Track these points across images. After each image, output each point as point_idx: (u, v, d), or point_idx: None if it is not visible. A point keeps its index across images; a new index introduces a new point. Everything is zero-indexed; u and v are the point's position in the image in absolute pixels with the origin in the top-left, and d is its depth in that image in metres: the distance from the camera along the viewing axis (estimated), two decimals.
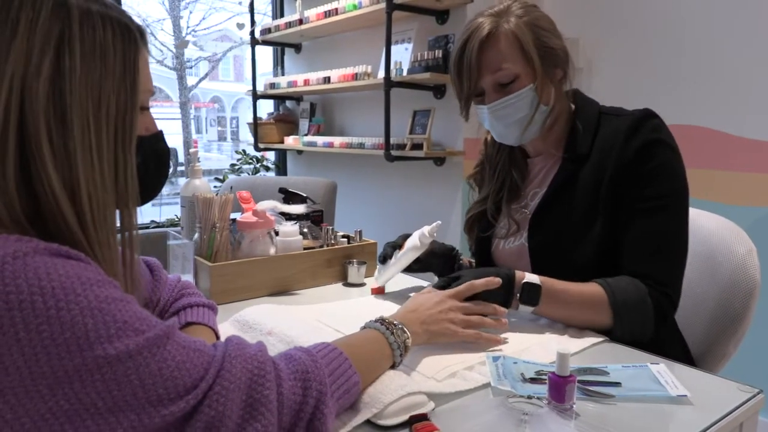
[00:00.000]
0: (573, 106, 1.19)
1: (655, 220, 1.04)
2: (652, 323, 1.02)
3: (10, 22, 0.56)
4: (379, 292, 1.29)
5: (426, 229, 1.17)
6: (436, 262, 1.28)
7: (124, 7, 0.76)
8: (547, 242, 1.14)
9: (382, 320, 0.84)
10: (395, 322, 0.84)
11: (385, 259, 1.26)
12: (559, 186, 1.14)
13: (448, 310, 0.94)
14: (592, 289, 1.03)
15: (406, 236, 1.25)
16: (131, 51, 0.64)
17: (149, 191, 0.77)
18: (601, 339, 1.00)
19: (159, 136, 0.76)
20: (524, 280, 1.01)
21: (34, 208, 0.58)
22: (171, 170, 0.86)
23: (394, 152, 2.61)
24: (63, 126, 0.58)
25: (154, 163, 0.75)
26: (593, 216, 1.08)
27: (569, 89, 1.18)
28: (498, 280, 0.98)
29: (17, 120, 0.56)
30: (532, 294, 1.01)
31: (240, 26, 3.38)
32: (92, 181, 0.60)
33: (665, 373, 0.85)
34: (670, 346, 1.12)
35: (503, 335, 0.98)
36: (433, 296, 0.96)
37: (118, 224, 0.65)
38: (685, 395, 0.78)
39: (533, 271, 1.11)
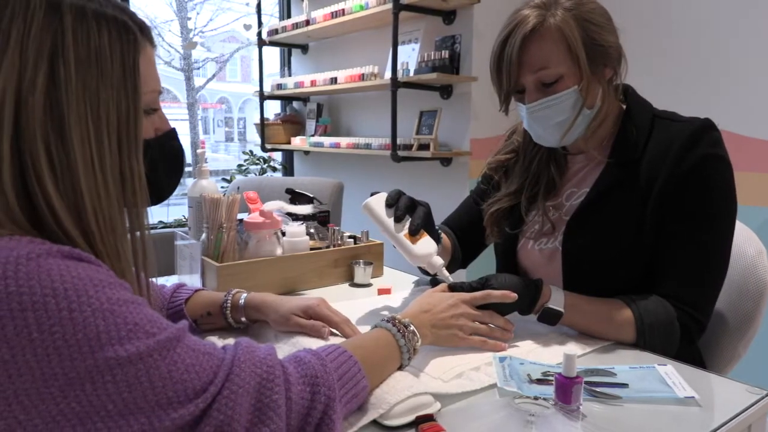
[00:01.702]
0: (623, 106, 1.10)
1: (702, 241, 0.99)
2: (677, 345, 0.99)
3: (1, 35, 0.55)
4: (385, 292, 1.29)
5: (445, 272, 1.06)
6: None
7: (133, 9, 0.75)
8: (584, 247, 1.07)
9: (394, 321, 0.84)
10: (407, 324, 0.84)
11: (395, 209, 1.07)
12: (605, 190, 1.06)
13: (460, 315, 0.93)
14: (620, 309, 0.99)
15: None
16: (130, 52, 0.62)
17: (164, 191, 0.77)
18: (609, 341, 1.00)
19: (172, 134, 0.75)
20: (547, 304, 0.98)
21: (38, 220, 0.57)
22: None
23: (400, 153, 2.61)
24: (62, 139, 0.57)
25: (167, 163, 0.75)
26: (638, 225, 1.01)
27: (620, 84, 1.09)
28: (514, 296, 0.95)
29: (11, 135, 0.55)
30: (552, 317, 0.99)
31: (247, 27, 3.38)
32: (96, 194, 0.59)
33: (673, 374, 0.84)
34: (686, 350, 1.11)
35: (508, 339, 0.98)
36: (447, 298, 0.95)
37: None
38: (693, 397, 0.78)
39: (564, 276, 1.08)
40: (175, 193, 0.80)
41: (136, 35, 0.63)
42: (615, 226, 1.04)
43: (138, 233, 0.65)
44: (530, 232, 1.18)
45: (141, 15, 0.66)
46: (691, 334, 1.00)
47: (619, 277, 1.04)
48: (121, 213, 0.63)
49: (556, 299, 0.99)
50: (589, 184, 1.10)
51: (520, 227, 1.20)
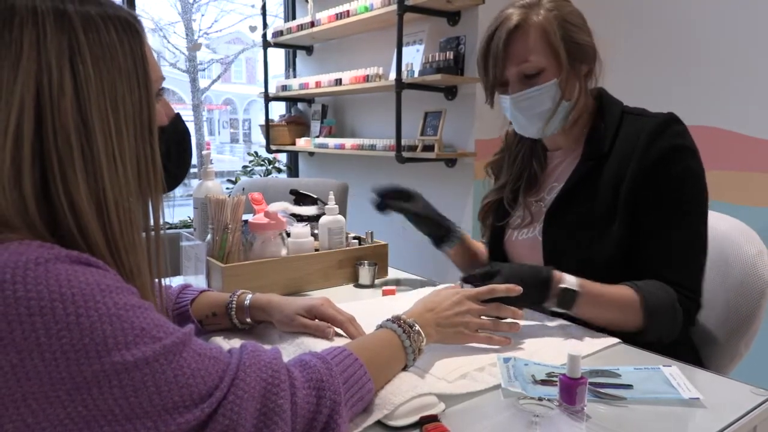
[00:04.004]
0: (597, 104, 1.18)
1: (681, 226, 1.05)
2: (680, 327, 1.03)
3: (13, 44, 0.56)
4: (390, 293, 1.29)
5: None
6: (428, 227, 1.34)
7: (138, 10, 0.77)
8: (562, 237, 1.14)
9: (399, 320, 0.84)
10: (412, 324, 0.84)
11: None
12: (578, 182, 1.13)
13: (465, 312, 0.93)
14: (626, 293, 1.02)
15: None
16: (136, 44, 0.64)
17: (177, 175, 0.79)
18: (614, 342, 1.00)
19: (177, 118, 0.78)
20: (562, 285, 1.00)
21: (53, 222, 0.58)
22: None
23: (405, 154, 2.61)
24: (86, 135, 0.58)
25: (176, 147, 0.77)
26: (611, 215, 1.08)
27: (594, 87, 1.17)
28: (519, 289, 0.96)
29: (31, 139, 0.56)
30: (568, 298, 1.00)
31: (252, 29, 3.40)
32: (117, 185, 0.60)
33: (678, 375, 0.84)
34: (682, 347, 1.11)
35: (513, 338, 0.98)
36: (451, 295, 0.95)
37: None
38: (698, 398, 0.77)
39: (545, 265, 1.11)
40: (180, 194, 0.81)
41: (137, 27, 0.65)
42: (590, 216, 1.10)
43: (152, 231, 0.67)
44: (515, 224, 1.27)
45: (146, 17, 0.68)
46: (691, 315, 1.05)
47: (599, 264, 1.08)
48: (137, 203, 0.64)
49: (569, 281, 1.01)
50: (566, 178, 1.17)
51: (506, 220, 1.29)
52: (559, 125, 1.14)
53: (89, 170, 0.58)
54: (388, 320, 0.85)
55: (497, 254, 1.31)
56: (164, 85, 0.73)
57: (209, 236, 1.29)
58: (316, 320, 0.95)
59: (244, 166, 3.77)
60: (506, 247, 1.29)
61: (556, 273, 1.01)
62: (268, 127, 3.51)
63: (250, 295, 0.99)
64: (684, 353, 1.04)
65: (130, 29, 0.63)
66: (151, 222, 0.67)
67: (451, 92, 2.64)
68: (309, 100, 3.61)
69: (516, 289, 0.96)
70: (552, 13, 1.08)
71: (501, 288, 0.97)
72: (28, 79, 0.56)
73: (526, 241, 1.22)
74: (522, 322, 1.00)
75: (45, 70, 0.56)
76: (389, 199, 1.33)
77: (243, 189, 2.43)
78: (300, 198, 1.63)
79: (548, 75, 1.08)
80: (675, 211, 1.05)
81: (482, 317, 0.95)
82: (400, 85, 2.53)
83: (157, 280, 0.68)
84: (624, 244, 1.07)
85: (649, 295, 1.01)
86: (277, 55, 3.77)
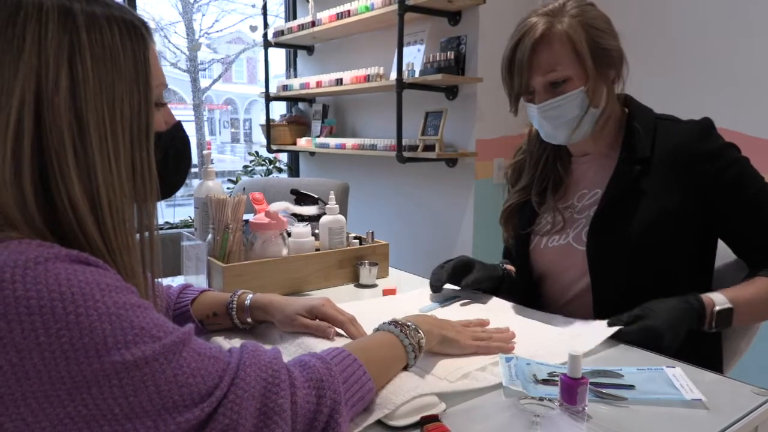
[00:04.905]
0: (626, 110, 1.17)
1: (765, 205, 1.08)
2: None
3: (16, 39, 0.56)
4: (390, 293, 1.29)
5: None
6: (487, 285, 1.25)
7: (138, 10, 0.77)
8: (610, 244, 1.11)
9: (395, 322, 0.84)
10: (408, 324, 0.84)
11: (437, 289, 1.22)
12: (621, 189, 1.11)
13: (466, 326, 0.96)
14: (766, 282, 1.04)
15: (463, 264, 1.23)
16: (140, 49, 0.64)
17: (173, 183, 0.79)
18: (613, 330, 0.99)
19: (178, 126, 0.78)
20: (716, 308, 1.00)
21: (54, 219, 0.58)
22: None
23: (406, 154, 2.61)
24: (81, 135, 0.59)
25: (175, 156, 0.77)
26: (665, 223, 1.07)
27: (621, 92, 1.16)
28: (512, 348, 0.94)
29: (31, 135, 0.56)
30: (725, 318, 1.01)
31: (253, 28, 3.40)
32: (111, 186, 0.61)
33: (681, 376, 0.84)
34: (711, 355, 1.13)
35: (515, 339, 0.98)
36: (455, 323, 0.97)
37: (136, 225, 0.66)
38: (700, 399, 0.77)
39: (591, 274, 1.11)
40: (181, 194, 0.81)
41: (142, 32, 0.65)
42: (641, 223, 1.08)
43: (147, 232, 0.66)
44: (542, 230, 1.22)
45: (147, 16, 0.68)
46: None
47: (649, 270, 1.08)
48: (131, 206, 0.64)
49: (719, 300, 1.01)
50: (600, 184, 1.15)
51: (532, 226, 1.24)
52: (588, 132, 1.12)
53: (82, 168, 0.59)
54: (383, 323, 0.85)
55: (523, 266, 1.27)
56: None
57: (210, 236, 1.29)
58: (317, 320, 0.95)
59: (245, 166, 3.77)
60: (534, 255, 1.24)
61: (706, 299, 1.01)
62: (268, 126, 3.51)
63: (250, 295, 0.99)
64: (710, 358, 1.05)
65: (135, 33, 0.64)
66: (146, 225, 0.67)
67: (452, 92, 2.64)
68: (310, 99, 3.61)
69: (508, 348, 0.94)
70: (576, 19, 1.06)
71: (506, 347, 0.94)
72: (29, 75, 0.56)
73: (559, 248, 1.18)
74: (523, 322, 1.00)
75: (44, 67, 0.57)
76: (452, 282, 1.24)
77: (244, 189, 2.43)
78: (301, 198, 1.63)
79: (575, 83, 1.07)
80: (755, 199, 1.07)
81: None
82: (401, 84, 2.52)
83: (152, 281, 0.68)
84: (684, 251, 1.09)
85: None
86: (278, 55, 3.77)
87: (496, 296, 1.25)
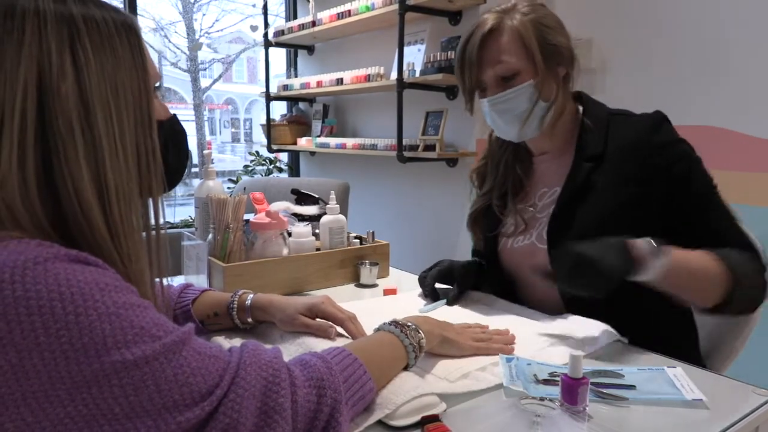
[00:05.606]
0: (580, 108, 1.19)
1: (717, 205, 1.09)
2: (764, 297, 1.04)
3: (15, 32, 0.57)
4: (391, 293, 1.29)
5: None
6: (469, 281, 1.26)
7: (139, 10, 0.79)
8: (572, 240, 1.07)
9: (395, 323, 0.84)
10: (408, 324, 0.84)
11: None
12: (577, 185, 1.12)
13: (466, 328, 0.96)
14: (708, 253, 1.00)
15: (445, 272, 1.24)
16: (134, 37, 0.65)
17: (177, 168, 0.80)
18: (615, 336, 0.99)
19: (173, 119, 0.79)
20: (651, 240, 0.93)
21: (56, 212, 0.59)
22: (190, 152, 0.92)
23: (406, 153, 2.61)
24: (88, 121, 0.59)
25: (173, 142, 0.78)
26: (622, 216, 1.07)
27: (573, 90, 1.18)
28: (512, 348, 0.94)
29: (35, 125, 0.57)
30: (657, 252, 0.92)
31: (253, 28, 3.40)
32: (118, 170, 0.61)
33: (682, 376, 0.84)
34: (685, 344, 1.12)
35: (516, 338, 0.98)
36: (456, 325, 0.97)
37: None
38: (701, 399, 0.77)
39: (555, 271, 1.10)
40: (182, 193, 0.82)
41: (135, 28, 0.66)
42: (598, 219, 1.09)
43: (152, 229, 0.67)
44: (508, 231, 1.25)
45: (147, 16, 0.69)
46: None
47: None
48: (137, 192, 0.64)
49: (648, 240, 0.95)
50: (559, 182, 1.17)
51: (498, 229, 1.26)
52: (538, 127, 1.14)
53: (90, 152, 0.59)
54: (384, 323, 0.85)
55: (493, 267, 1.28)
56: (166, 84, 0.73)
57: (210, 236, 1.29)
58: (318, 319, 0.95)
59: (246, 166, 3.77)
60: (502, 256, 1.26)
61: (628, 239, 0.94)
62: (269, 126, 3.51)
63: (251, 295, 0.99)
64: (688, 349, 1.03)
65: (127, 23, 0.65)
66: (152, 216, 0.68)
67: (452, 92, 2.64)
68: (310, 99, 3.61)
69: (508, 350, 0.93)
70: (527, 16, 1.09)
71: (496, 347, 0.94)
72: (31, 64, 0.57)
73: (523, 248, 1.20)
74: (524, 322, 1.00)
75: (46, 55, 0.57)
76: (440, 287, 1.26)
77: (244, 188, 2.43)
78: (301, 197, 1.63)
79: (524, 77, 1.09)
80: (705, 195, 1.08)
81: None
82: (402, 84, 2.53)
83: (156, 279, 0.68)
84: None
85: (728, 256, 0.99)
86: (278, 55, 3.77)
87: (479, 291, 1.28)
